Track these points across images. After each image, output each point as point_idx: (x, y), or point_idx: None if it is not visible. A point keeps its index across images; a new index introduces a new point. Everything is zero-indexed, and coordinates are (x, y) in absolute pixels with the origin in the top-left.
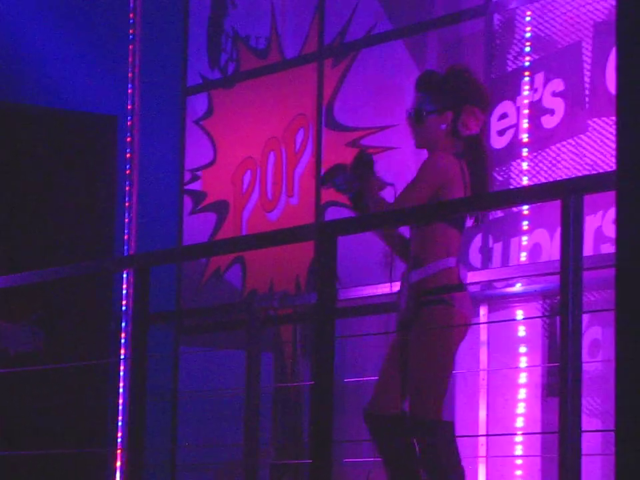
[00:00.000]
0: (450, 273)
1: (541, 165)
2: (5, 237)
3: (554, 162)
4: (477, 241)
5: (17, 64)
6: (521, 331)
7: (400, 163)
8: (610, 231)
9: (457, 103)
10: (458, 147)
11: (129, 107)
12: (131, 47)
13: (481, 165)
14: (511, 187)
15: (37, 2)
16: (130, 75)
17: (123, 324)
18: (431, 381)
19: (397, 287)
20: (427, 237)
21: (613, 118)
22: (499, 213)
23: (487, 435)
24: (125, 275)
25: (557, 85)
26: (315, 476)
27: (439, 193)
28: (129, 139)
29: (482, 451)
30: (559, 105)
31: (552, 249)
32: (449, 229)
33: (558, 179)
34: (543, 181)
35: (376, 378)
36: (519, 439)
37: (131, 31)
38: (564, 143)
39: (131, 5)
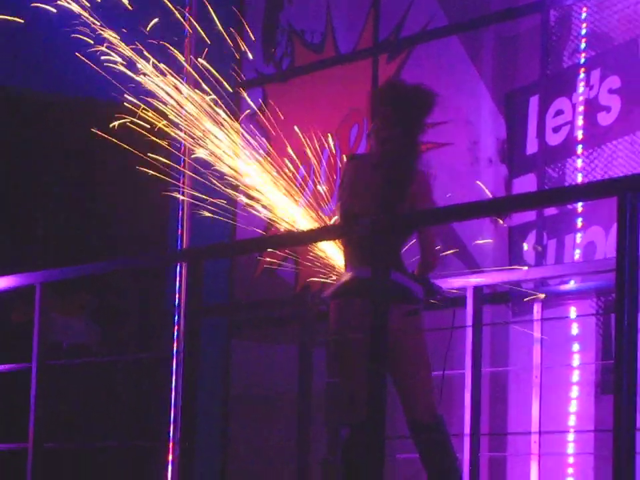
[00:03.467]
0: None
1: (596, 162)
2: (60, 230)
3: (609, 159)
4: (531, 238)
5: (81, 60)
6: (575, 329)
7: (454, 158)
8: None
9: (372, 110)
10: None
11: (184, 97)
12: (186, 40)
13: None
14: (566, 184)
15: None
16: (185, 69)
17: (176, 318)
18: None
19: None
20: None
21: None
22: (553, 210)
23: (540, 433)
24: (178, 269)
25: (613, 82)
26: (369, 472)
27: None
28: (182, 133)
29: (534, 448)
30: (615, 102)
31: (606, 247)
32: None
33: (613, 176)
34: (598, 178)
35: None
36: (571, 436)
37: (186, 26)
38: (619, 140)
39: (186, 0)
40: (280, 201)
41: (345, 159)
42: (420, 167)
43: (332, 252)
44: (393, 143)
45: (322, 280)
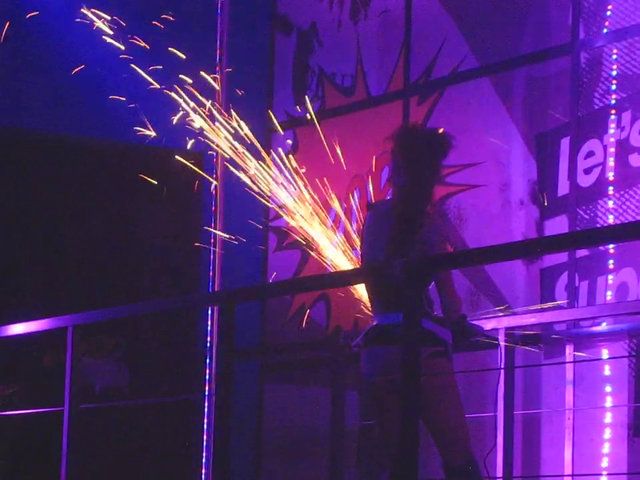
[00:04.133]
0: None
1: (627, 203)
2: (92, 273)
3: None
4: (563, 279)
5: (108, 102)
6: (607, 370)
7: (485, 200)
8: None
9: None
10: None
11: (215, 145)
12: (218, 84)
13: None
14: (597, 225)
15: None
16: (216, 111)
17: (208, 360)
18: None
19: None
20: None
21: None
22: (585, 252)
23: (573, 475)
24: (209, 312)
25: None
26: None
27: None
28: (215, 176)
29: None
30: None
31: (639, 288)
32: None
33: None
34: (630, 219)
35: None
36: (604, 479)
37: (217, 68)
38: None
39: (218, 43)
40: (317, 237)
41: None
42: (431, 210)
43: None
44: (403, 187)
45: (355, 320)
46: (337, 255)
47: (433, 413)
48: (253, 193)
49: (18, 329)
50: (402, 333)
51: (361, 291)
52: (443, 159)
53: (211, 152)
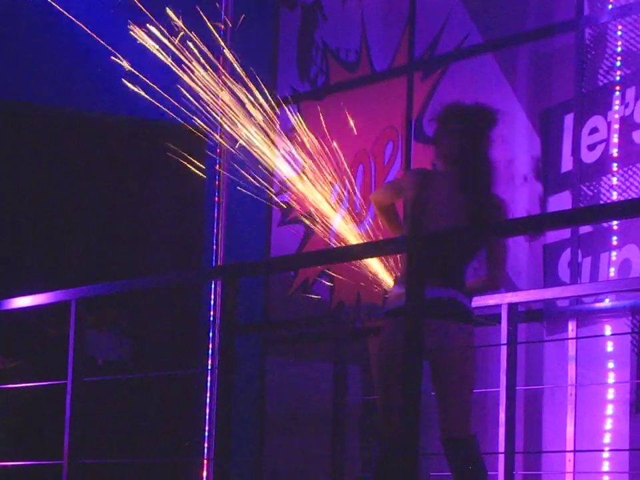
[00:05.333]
0: (391, 299)
1: (631, 180)
2: (94, 246)
3: None
4: (566, 255)
5: (115, 76)
6: (610, 347)
7: None
8: None
9: (451, 132)
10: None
11: (219, 119)
12: (221, 58)
13: (483, 183)
14: (601, 202)
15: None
16: (221, 87)
17: (211, 334)
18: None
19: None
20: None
21: None
22: (588, 228)
23: (575, 451)
24: (212, 286)
25: None
26: None
27: (400, 194)
28: (218, 150)
29: (569, 466)
30: None
31: None
32: None
33: None
34: (633, 196)
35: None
36: (606, 455)
37: (221, 44)
38: None
39: (222, 17)
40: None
41: (405, 172)
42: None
43: (377, 268)
44: (471, 167)
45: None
46: (342, 229)
47: (455, 386)
48: (256, 167)
49: (22, 302)
50: (405, 305)
51: (373, 266)
52: (493, 129)
53: (209, 132)
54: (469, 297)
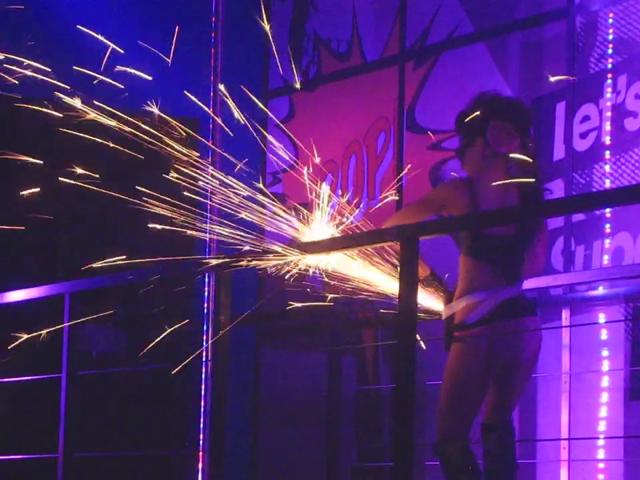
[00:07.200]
0: (469, 309)
1: (623, 167)
2: (88, 238)
3: (637, 164)
4: (559, 243)
5: (99, 66)
6: (604, 335)
7: None
8: None
9: (481, 126)
10: (507, 164)
11: (210, 110)
12: (212, 50)
13: (530, 175)
14: (593, 189)
15: (119, 7)
16: (212, 78)
17: (205, 327)
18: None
19: None
20: (459, 272)
21: None
22: (581, 216)
23: (569, 439)
24: (206, 277)
25: None
26: (397, 479)
27: (440, 211)
28: (210, 142)
29: (564, 454)
30: None
31: (635, 252)
32: (476, 262)
33: None
34: (626, 183)
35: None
36: (601, 442)
37: (212, 35)
38: None
39: (213, 8)
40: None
41: (442, 186)
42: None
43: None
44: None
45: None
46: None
47: (522, 376)
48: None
49: (15, 296)
50: (399, 298)
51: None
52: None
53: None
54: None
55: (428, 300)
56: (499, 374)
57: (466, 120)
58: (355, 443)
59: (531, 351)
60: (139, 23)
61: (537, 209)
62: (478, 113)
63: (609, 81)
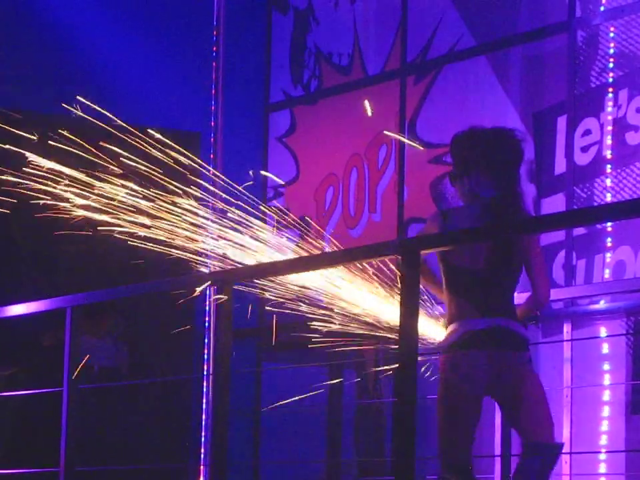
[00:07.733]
0: (444, 337)
1: (624, 181)
2: (87, 254)
3: (638, 178)
4: (561, 258)
5: (101, 81)
6: (605, 348)
7: None
8: None
9: (466, 169)
10: (487, 202)
11: (212, 124)
12: (214, 64)
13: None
14: (594, 203)
15: (122, 21)
16: (213, 91)
17: (206, 340)
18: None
19: None
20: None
21: None
22: (582, 230)
23: (571, 453)
24: (207, 292)
25: None
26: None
27: None
28: (212, 156)
29: (565, 468)
30: None
31: (636, 266)
32: (452, 296)
33: None
34: (627, 197)
35: None
36: (602, 456)
37: (214, 49)
38: None
39: (214, 22)
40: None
41: (433, 216)
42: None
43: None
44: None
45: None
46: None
47: (527, 407)
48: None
49: (17, 309)
50: (400, 326)
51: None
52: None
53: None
54: (524, 324)
55: (424, 325)
56: (498, 401)
57: (453, 154)
58: (355, 456)
59: (508, 381)
60: (142, 35)
61: (537, 224)
62: (464, 152)
63: (610, 95)
